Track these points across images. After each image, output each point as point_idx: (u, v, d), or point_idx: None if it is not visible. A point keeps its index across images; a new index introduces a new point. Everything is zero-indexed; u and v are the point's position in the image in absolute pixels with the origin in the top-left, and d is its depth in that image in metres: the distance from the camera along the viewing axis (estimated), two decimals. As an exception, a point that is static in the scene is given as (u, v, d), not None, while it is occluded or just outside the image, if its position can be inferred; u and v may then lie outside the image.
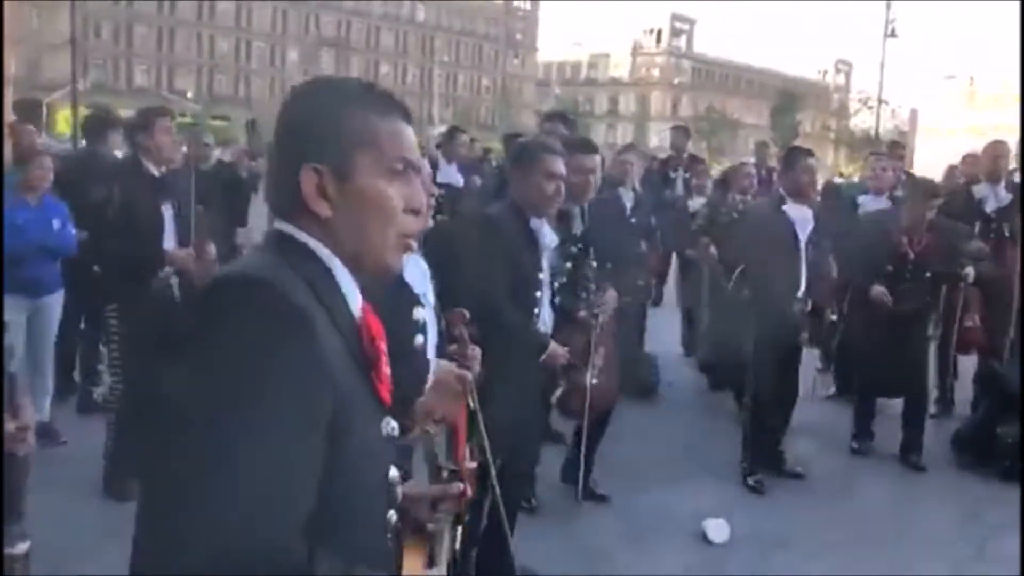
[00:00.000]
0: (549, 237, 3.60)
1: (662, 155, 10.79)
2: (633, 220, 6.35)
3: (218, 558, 1.05)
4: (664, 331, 7.95)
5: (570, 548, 4.13)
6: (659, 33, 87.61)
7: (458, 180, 7.85)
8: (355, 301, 1.31)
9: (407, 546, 1.50)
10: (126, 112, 6.37)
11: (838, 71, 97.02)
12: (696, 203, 7.94)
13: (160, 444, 1.14)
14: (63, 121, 35.83)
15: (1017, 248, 6.08)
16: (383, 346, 1.33)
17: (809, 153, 5.32)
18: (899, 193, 6.74)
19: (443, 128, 13.99)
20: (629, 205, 6.39)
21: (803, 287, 5.09)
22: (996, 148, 6.71)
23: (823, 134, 73.53)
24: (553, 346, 3.66)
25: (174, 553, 1.07)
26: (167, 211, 4.40)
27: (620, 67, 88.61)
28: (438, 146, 9.12)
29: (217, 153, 10.40)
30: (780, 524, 4.64)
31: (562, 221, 4.19)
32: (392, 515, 1.39)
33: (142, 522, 1.17)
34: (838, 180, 18.54)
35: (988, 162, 6.75)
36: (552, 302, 3.75)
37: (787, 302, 5.04)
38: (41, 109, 17.74)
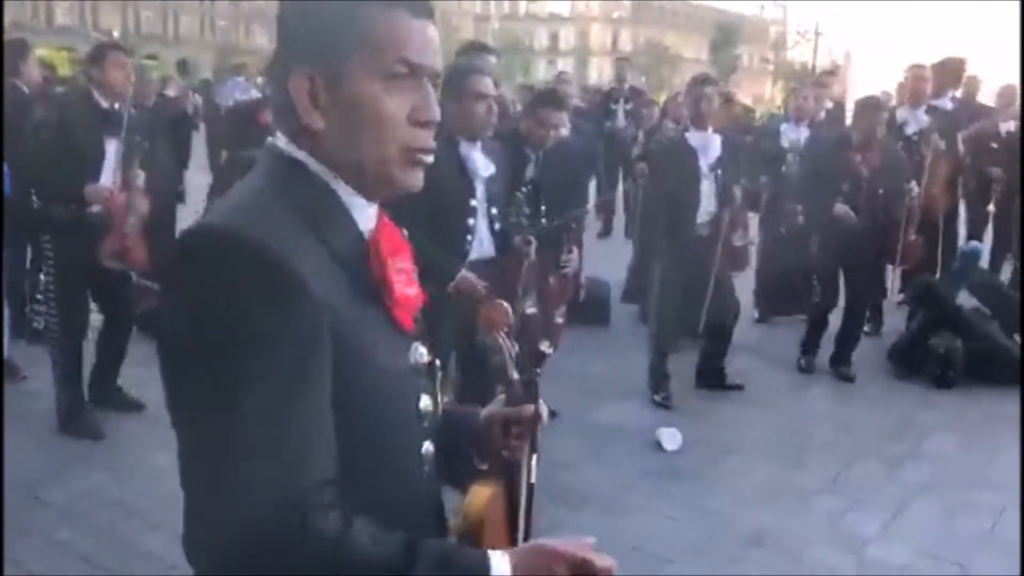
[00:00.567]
0: (482, 163, 3.59)
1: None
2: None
3: (246, 531, 0.99)
4: (614, 260, 8.11)
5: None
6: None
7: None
8: (365, 219, 1.18)
9: (476, 480, 1.36)
10: (44, 52, 6.16)
11: (776, 4, 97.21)
12: (637, 132, 8.09)
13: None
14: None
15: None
16: (404, 264, 1.21)
17: (708, 81, 5.38)
18: (822, 119, 6.88)
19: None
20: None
21: (711, 211, 5.15)
22: (915, 72, 6.91)
23: (762, 67, 73.92)
24: (463, 274, 3.58)
25: (200, 536, 1.04)
26: (111, 145, 4.38)
27: (560, 1, 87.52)
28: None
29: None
30: (726, 432, 4.90)
31: (520, 165, 4.30)
32: (428, 447, 1.26)
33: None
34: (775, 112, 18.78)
35: (910, 86, 6.97)
36: (492, 229, 3.76)
37: (690, 226, 5.12)
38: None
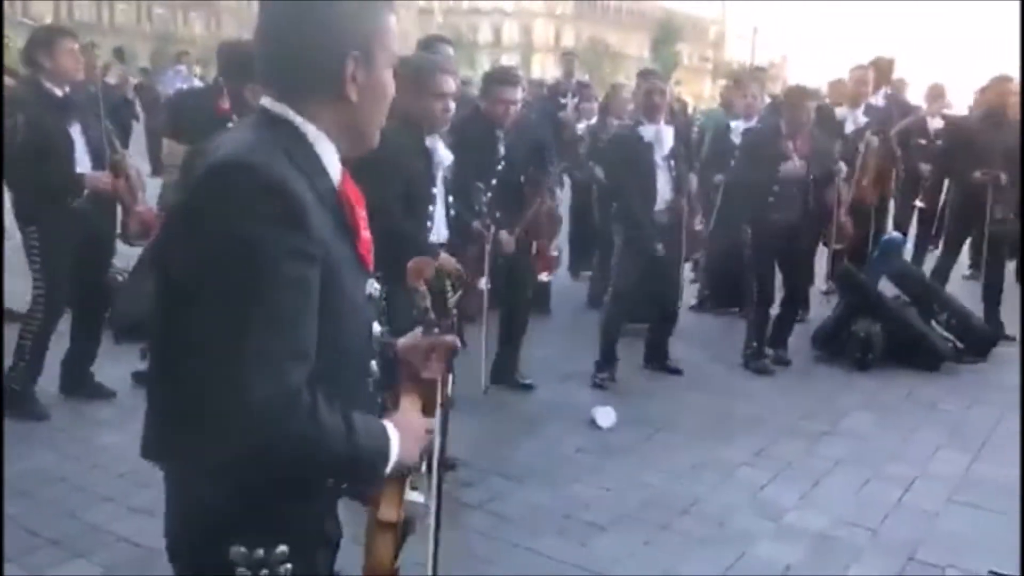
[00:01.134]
0: (443, 154, 3.82)
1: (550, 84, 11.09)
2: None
3: (239, 414, 1.23)
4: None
5: (478, 436, 4.47)
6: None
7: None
8: (335, 173, 1.44)
9: (404, 392, 1.62)
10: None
11: (715, 3, 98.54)
12: (582, 127, 8.26)
13: (167, 318, 1.35)
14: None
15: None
16: (363, 212, 1.48)
17: (652, 76, 5.66)
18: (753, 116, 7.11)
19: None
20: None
21: (665, 201, 5.38)
22: (858, 75, 7.24)
23: (701, 65, 75.06)
24: (443, 256, 3.82)
25: (223, 405, 1.25)
26: (75, 131, 4.39)
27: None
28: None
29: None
30: (659, 412, 5.13)
31: (491, 145, 4.69)
32: (374, 365, 1.55)
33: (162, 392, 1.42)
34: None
35: (851, 87, 7.30)
36: (447, 215, 3.97)
37: (645, 215, 5.34)
38: None
